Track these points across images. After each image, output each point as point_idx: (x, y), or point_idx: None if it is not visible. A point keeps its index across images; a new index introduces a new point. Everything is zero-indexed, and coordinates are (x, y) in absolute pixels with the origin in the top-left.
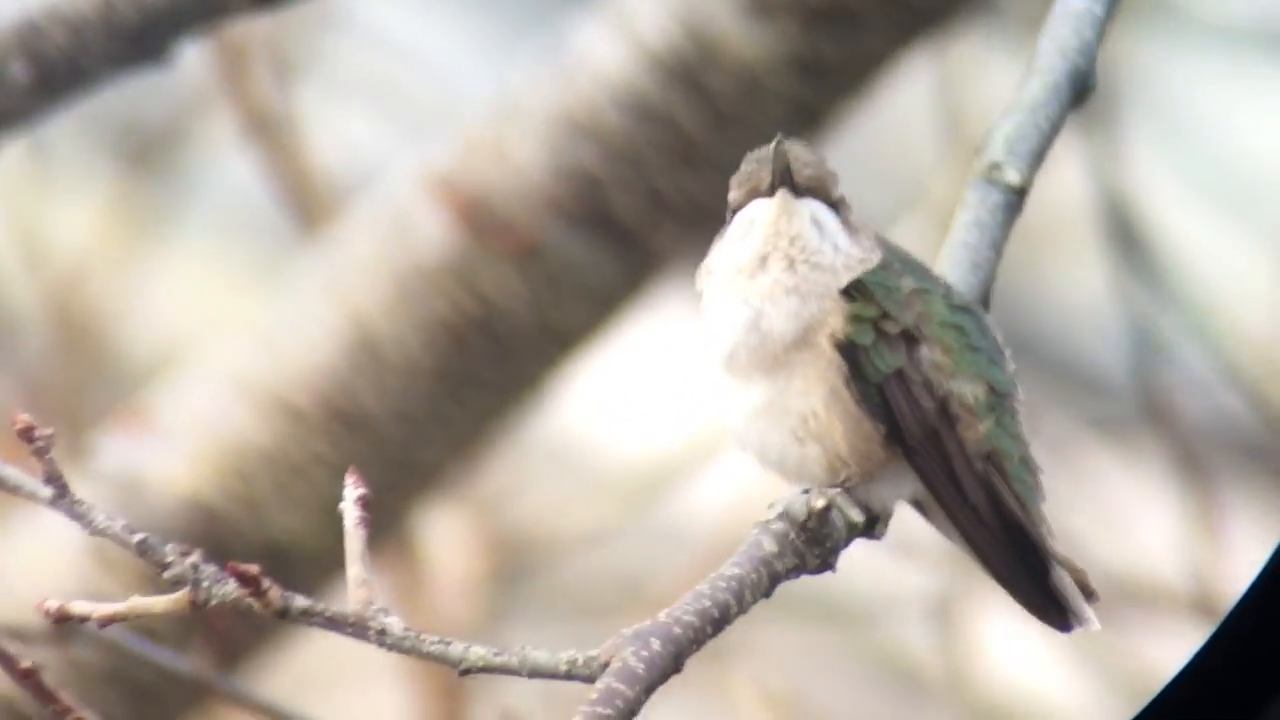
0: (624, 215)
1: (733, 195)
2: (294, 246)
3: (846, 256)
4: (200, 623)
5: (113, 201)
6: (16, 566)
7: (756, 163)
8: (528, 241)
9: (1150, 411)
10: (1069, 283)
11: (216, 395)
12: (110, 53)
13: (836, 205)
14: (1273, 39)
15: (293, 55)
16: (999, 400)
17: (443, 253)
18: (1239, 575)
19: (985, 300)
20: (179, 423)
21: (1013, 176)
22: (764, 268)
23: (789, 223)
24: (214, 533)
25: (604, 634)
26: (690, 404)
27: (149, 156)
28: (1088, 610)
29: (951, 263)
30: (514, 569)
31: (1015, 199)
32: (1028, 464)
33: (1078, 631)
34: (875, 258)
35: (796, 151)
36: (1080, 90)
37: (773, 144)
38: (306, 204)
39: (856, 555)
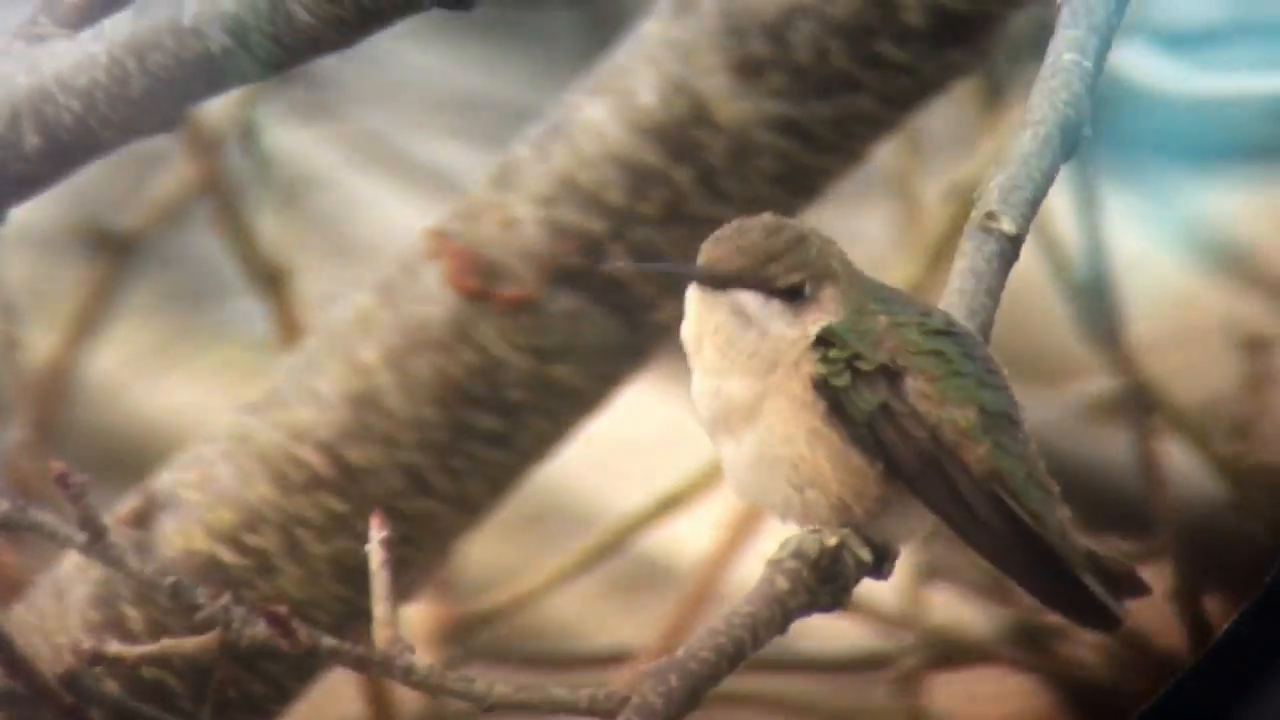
0: (621, 272)
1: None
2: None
3: (777, 339)
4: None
5: (80, 283)
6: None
7: (713, 242)
8: (526, 297)
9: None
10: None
11: (224, 451)
12: (124, 119)
13: (776, 290)
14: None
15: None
16: (992, 421)
17: (444, 306)
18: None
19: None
20: (187, 480)
21: (1007, 225)
22: (700, 350)
23: (708, 314)
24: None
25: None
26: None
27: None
28: (1118, 606)
29: (949, 309)
30: (470, 622)
31: (1010, 247)
32: (1035, 479)
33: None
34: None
35: (750, 237)
36: (1073, 141)
37: (731, 226)
38: (266, 274)
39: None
